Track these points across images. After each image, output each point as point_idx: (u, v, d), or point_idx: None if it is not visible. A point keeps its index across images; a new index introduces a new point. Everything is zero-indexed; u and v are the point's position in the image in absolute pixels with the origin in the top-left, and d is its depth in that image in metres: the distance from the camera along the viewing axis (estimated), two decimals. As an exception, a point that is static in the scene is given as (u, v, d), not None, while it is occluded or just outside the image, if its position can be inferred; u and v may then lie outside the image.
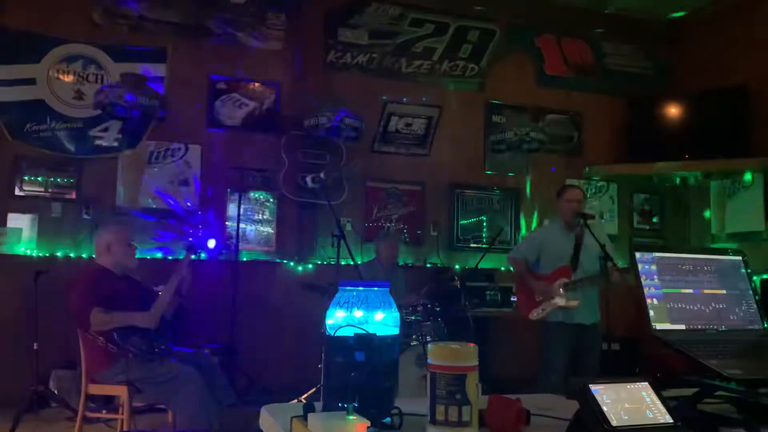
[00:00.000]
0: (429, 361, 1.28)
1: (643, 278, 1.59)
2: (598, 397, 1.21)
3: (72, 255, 5.47)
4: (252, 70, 6.19)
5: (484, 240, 6.75)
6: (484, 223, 6.83)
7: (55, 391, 4.84)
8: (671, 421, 1.22)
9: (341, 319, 1.41)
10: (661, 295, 1.59)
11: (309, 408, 1.34)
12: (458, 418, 1.23)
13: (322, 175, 4.59)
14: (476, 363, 1.27)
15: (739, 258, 1.75)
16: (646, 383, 1.28)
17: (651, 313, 1.55)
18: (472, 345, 1.29)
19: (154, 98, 5.29)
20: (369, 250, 5.83)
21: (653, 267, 1.61)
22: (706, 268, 1.69)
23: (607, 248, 4.14)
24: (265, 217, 6.14)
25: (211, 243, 5.66)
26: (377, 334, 1.38)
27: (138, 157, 5.80)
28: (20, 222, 5.42)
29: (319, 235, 6.11)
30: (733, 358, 1.49)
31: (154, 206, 5.79)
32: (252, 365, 5.35)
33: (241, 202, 5.77)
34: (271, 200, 6.16)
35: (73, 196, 5.60)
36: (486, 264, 6.08)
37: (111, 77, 5.67)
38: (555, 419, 1.43)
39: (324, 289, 4.80)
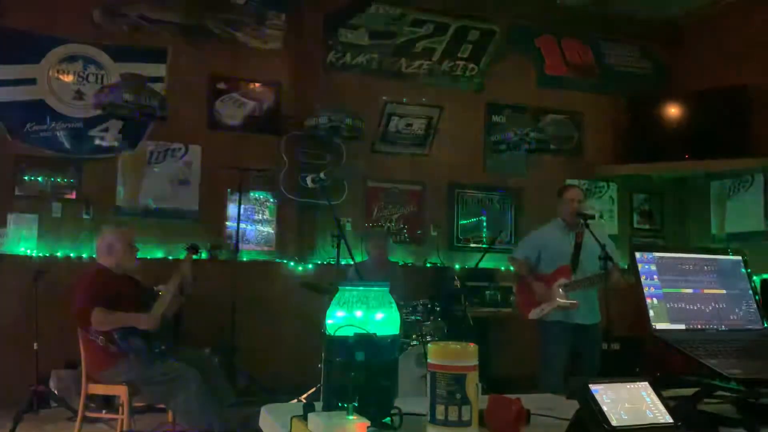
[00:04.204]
0: (429, 361, 1.28)
1: (643, 278, 1.59)
2: (598, 397, 1.21)
3: (72, 255, 5.47)
4: (252, 70, 6.19)
5: (484, 240, 6.75)
6: (484, 223, 6.83)
7: (55, 391, 4.84)
8: (671, 421, 1.22)
9: (341, 319, 1.41)
10: (661, 295, 1.59)
11: (309, 408, 1.34)
12: (458, 417, 1.23)
13: (322, 175, 4.58)
14: (476, 363, 1.27)
15: (739, 258, 1.75)
16: (646, 383, 1.28)
17: (651, 313, 1.55)
18: (472, 345, 1.29)
19: (154, 98, 5.29)
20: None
21: (653, 267, 1.61)
22: (706, 268, 1.69)
23: (608, 248, 4.14)
24: (265, 217, 6.14)
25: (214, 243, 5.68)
26: (377, 334, 1.38)
27: (138, 157, 5.80)
28: (20, 222, 5.42)
29: (319, 235, 6.11)
30: (733, 358, 1.49)
31: (155, 206, 5.79)
32: (252, 365, 5.35)
33: (241, 202, 5.77)
34: (271, 200, 6.16)
35: (73, 196, 5.60)
36: (486, 264, 6.07)
37: (111, 77, 5.68)
38: (555, 419, 1.43)
39: (324, 289, 4.80)
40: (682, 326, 1.58)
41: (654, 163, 6.83)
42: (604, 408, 1.19)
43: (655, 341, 1.54)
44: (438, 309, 4.84)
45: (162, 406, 3.78)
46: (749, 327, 1.67)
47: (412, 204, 6.61)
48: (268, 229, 6.14)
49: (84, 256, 5.45)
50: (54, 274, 4.84)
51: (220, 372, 3.83)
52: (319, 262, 6.11)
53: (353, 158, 6.30)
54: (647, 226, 7.43)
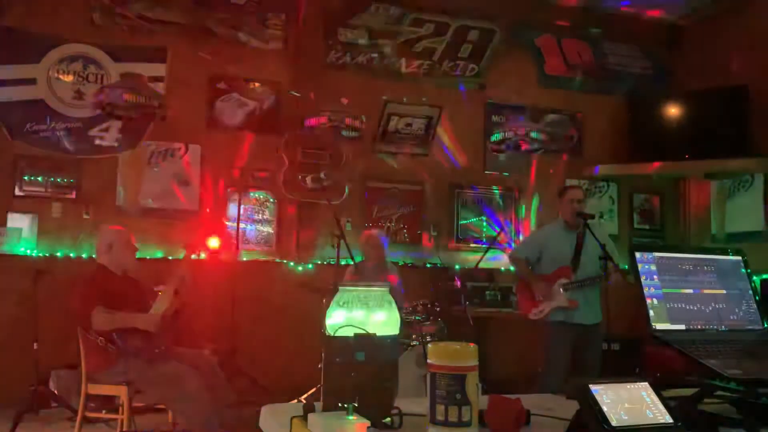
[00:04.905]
0: (429, 361, 1.28)
1: (643, 278, 1.59)
2: (598, 397, 1.21)
3: (72, 255, 5.47)
4: (252, 70, 6.19)
5: (484, 240, 6.75)
6: (484, 223, 6.83)
7: (55, 391, 4.84)
8: (671, 421, 1.22)
9: (341, 319, 1.41)
10: (661, 295, 1.59)
11: (309, 408, 1.34)
12: (458, 418, 1.23)
13: (322, 175, 4.58)
14: (476, 363, 1.27)
15: (739, 258, 1.75)
16: (646, 383, 1.28)
17: (651, 313, 1.55)
18: (472, 345, 1.29)
19: (154, 98, 5.29)
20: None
21: (653, 267, 1.61)
22: (706, 268, 1.68)
23: (608, 248, 4.14)
24: (265, 217, 6.14)
25: (214, 242, 5.67)
26: (377, 335, 1.38)
27: (138, 157, 5.80)
28: (20, 222, 5.42)
29: (319, 235, 6.11)
30: (733, 358, 1.49)
31: (155, 206, 5.79)
32: (252, 365, 5.35)
33: (241, 202, 5.77)
34: (271, 200, 6.16)
35: (73, 196, 5.60)
36: (486, 264, 6.07)
37: (111, 77, 5.68)
38: (555, 419, 1.43)
39: (324, 289, 4.80)
40: (682, 326, 1.58)
41: (654, 163, 6.83)
42: (604, 408, 1.19)
43: (655, 341, 1.53)
44: (438, 309, 4.84)
45: (162, 406, 3.77)
46: (749, 327, 1.67)
47: (412, 204, 6.61)
48: (268, 229, 6.14)
49: (84, 256, 5.45)
50: (54, 274, 4.84)
51: (219, 372, 3.82)
52: (319, 262, 6.10)
53: (353, 158, 6.30)
54: (647, 226, 7.43)
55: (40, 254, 5.41)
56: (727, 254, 1.75)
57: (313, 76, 6.29)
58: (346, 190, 6.22)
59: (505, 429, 1.32)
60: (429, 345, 1.32)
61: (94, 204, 5.63)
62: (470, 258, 6.51)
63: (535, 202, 6.98)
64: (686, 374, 1.50)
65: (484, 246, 6.53)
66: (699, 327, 1.60)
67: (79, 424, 3.65)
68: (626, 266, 4.08)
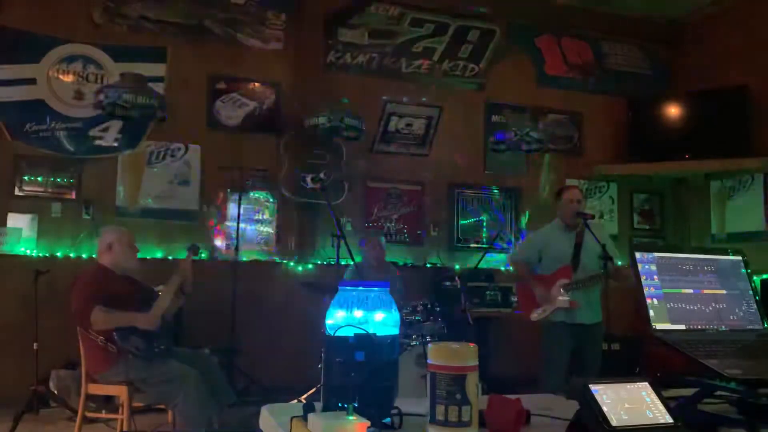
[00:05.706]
0: (429, 361, 1.28)
1: (643, 278, 1.59)
2: (598, 397, 1.21)
3: (72, 255, 5.47)
4: (252, 70, 6.20)
5: (484, 240, 6.75)
6: (484, 223, 6.83)
7: (55, 391, 4.84)
8: (671, 421, 1.22)
9: (341, 319, 1.41)
10: (661, 295, 1.59)
11: (309, 408, 1.34)
12: (458, 418, 1.23)
13: (322, 175, 4.57)
14: (476, 363, 1.26)
15: (739, 258, 1.75)
16: (646, 383, 1.28)
17: (651, 313, 1.55)
18: (472, 345, 1.29)
19: (154, 98, 5.29)
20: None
21: (653, 267, 1.61)
22: (706, 268, 1.68)
23: (608, 248, 4.14)
24: (265, 217, 6.14)
25: (215, 243, 5.68)
26: (377, 334, 1.38)
27: (138, 157, 5.80)
28: (20, 222, 5.42)
29: (319, 235, 6.11)
30: (733, 358, 1.49)
31: (155, 206, 5.79)
32: (252, 365, 5.35)
33: (241, 202, 5.77)
34: (271, 200, 6.16)
35: (73, 196, 5.60)
36: (486, 264, 6.07)
37: (111, 77, 5.68)
38: (555, 419, 1.43)
39: (324, 289, 4.80)
40: (683, 326, 1.58)
41: (654, 163, 6.84)
42: (604, 408, 1.19)
43: (655, 341, 1.53)
44: (438, 309, 4.84)
45: (162, 406, 3.77)
46: (749, 327, 1.66)
47: (412, 204, 6.61)
48: (268, 229, 6.14)
49: (84, 256, 5.45)
50: (54, 274, 4.83)
51: (220, 372, 3.82)
52: (319, 262, 6.11)
53: (353, 158, 6.31)
54: (647, 226, 7.43)
55: (40, 254, 5.41)
56: (727, 254, 1.75)
57: (313, 76, 6.29)
58: (346, 190, 6.22)
59: (505, 429, 1.32)
60: (429, 345, 1.32)
61: (94, 204, 5.63)
62: (470, 258, 6.51)
63: (535, 203, 6.98)
64: (686, 374, 1.49)
65: (484, 246, 6.54)
66: (699, 327, 1.60)
67: (79, 424, 3.65)
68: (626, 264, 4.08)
